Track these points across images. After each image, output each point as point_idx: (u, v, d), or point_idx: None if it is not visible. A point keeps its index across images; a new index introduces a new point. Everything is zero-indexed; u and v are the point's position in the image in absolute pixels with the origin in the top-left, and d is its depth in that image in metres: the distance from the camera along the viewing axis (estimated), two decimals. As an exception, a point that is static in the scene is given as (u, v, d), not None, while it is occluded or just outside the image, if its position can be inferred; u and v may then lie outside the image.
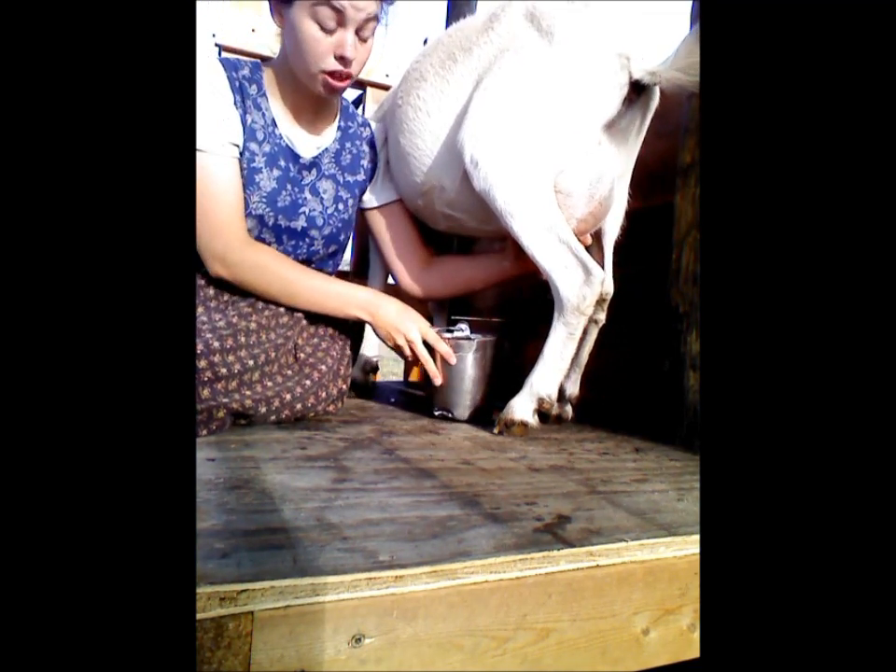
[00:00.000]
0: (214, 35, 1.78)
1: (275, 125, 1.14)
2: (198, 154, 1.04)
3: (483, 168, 1.01)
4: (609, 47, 0.99)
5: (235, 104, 1.09)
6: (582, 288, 0.98)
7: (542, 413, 1.08)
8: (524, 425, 1.04)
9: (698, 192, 1.06)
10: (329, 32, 1.02)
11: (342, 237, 1.25)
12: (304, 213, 1.17)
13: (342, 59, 1.04)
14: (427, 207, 1.25)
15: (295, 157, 1.16)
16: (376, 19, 1.05)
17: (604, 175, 1.05)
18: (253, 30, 1.82)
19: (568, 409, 1.22)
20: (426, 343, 1.14)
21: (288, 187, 1.14)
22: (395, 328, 1.12)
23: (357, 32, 1.03)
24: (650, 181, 1.10)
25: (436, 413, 1.21)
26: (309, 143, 1.20)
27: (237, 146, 1.08)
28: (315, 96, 1.13)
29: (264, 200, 1.11)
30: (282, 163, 1.14)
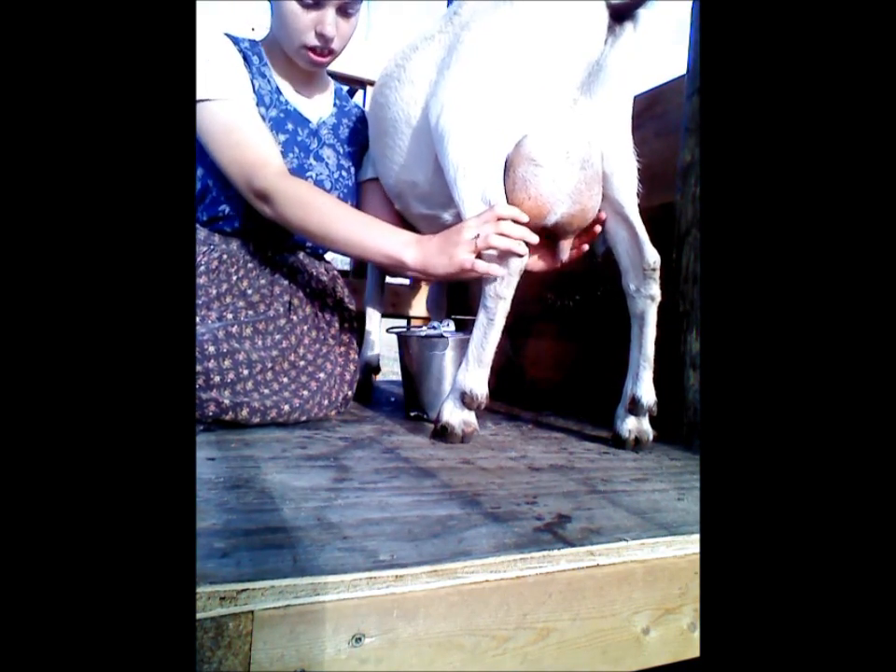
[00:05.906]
0: (213, 35, 1.79)
1: (280, 92, 1.15)
2: (216, 104, 1.01)
3: (447, 137, 0.92)
4: None
5: (244, 66, 1.10)
6: (500, 270, 0.89)
7: (619, 439, 1.01)
8: (445, 429, 0.95)
9: (698, 192, 1.06)
10: (309, 7, 1.02)
11: (348, 203, 1.23)
12: (311, 177, 1.17)
13: (321, 36, 1.04)
14: (404, 211, 1.24)
15: (304, 121, 1.18)
16: None
17: (581, 137, 0.94)
18: (253, 29, 1.82)
19: (646, 426, 1.02)
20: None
21: (295, 150, 1.15)
22: (454, 241, 0.90)
23: (340, 8, 1.04)
24: (650, 181, 1.09)
25: (411, 415, 1.14)
26: (312, 111, 1.22)
27: (252, 97, 1.08)
28: (306, 70, 1.15)
29: None
30: (289, 127, 1.15)
